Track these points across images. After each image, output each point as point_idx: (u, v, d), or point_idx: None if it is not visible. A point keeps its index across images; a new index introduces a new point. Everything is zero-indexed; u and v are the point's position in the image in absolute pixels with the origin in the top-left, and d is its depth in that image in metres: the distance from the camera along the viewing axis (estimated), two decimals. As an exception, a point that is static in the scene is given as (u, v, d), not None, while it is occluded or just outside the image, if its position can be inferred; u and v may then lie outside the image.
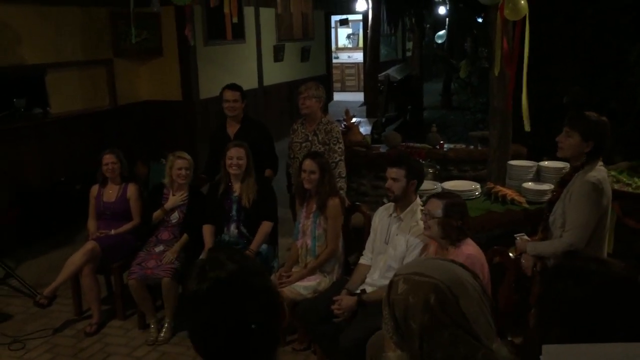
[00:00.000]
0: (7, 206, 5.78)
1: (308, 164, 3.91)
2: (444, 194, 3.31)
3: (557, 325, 1.29)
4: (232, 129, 4.85)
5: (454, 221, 3.06)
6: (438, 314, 1.23)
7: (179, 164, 4.44)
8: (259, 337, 1.22)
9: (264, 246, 4.30)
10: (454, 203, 3.12)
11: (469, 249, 3.05)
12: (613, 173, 4.42)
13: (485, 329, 1.26)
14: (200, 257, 4.03)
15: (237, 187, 4.29)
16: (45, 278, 4.91)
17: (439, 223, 3.09)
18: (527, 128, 4.43)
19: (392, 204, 3.66)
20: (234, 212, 4.28)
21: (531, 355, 1.29)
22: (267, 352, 1.25)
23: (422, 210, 3.33)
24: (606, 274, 1.29)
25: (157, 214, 4.47)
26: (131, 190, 4.72)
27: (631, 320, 1.23)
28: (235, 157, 4.20)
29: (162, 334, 4.24)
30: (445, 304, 1.24)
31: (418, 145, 6.51)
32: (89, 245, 4.43)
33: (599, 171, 3.20)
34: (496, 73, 4.67)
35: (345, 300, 3.50)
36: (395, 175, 3.50)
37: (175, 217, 4.49)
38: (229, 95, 4.77)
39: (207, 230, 4.32)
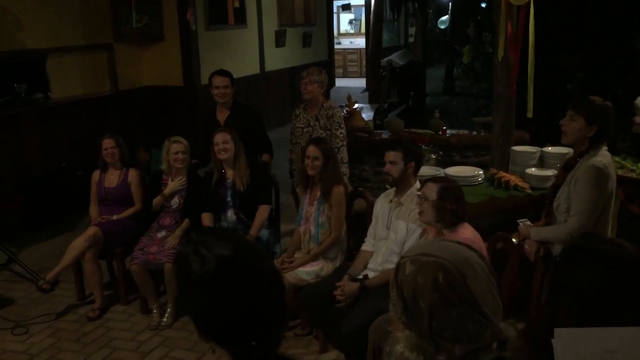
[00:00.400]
0: (9, 192, 5.77)
1: (312, 150, 3.90)
2: (439, 178, 3.31)
3: (566, 303, 1.30)
4: (222, 115, 4.82)
5: (448, 204, 3.06)
6: (447, 292, 1.24)
7: (174, 149, 4.43)
8: (268, 314, 1.21)
9: (265, 231, 4.29)
10: (448, 187, 3.13)
11: (466, 233, 3.05)
12: (617, 159, 4.40)
13: (493, 307, 1.27)
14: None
15: (230, 173, 4.29)
16: (48, 263, 4.92)
17: (433, 206, 3.10)
18: (530, 114, 4.41)
19: (393, 190, 3.66)
20: (229, 198, 4.28)
21: (536, 337, 1.29)
22: (277, 328, 1.24)
23: (417, 194, 3.32)
24: (619, 254, 1.29)
25: (157, 200, 4.46)
26: (132, 175, 4.71)
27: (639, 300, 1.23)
28: (221, 142, 4.19)
29: (164, 319, 4.25)
30: (453, 282, 1.25)
31: (420, 131, 6.48)
32: (91, 230, 4.43)
33: (604, 156, 3.18)
34: (499, 58, 4.63)
35: (347, 286, 3.50)
36: (392, 158, 3.52)
37: (175, 202, 4.49)
38: (219, 81, 4.73)
39: (206, 218, 4.32)
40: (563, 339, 1.12)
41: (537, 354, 1.31)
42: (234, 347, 1.21)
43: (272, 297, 1.22)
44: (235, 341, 1.20)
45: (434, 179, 3.30)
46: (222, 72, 4.79)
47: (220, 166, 4.30)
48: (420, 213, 3.20)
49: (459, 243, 1.38)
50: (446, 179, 3.35)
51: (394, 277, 1.34)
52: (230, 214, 4.29)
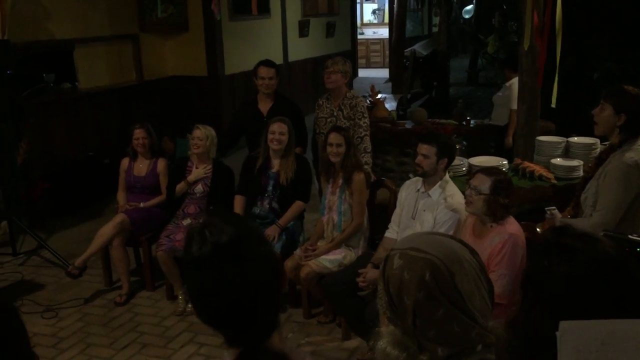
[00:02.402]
0: (37, 180, 5.90)
1: (334, 137, 3.90)
2: (491, 170, 3.23)
3: (540, 301, 1.26)
4: (264, 105, 4.81)
5: (501, 199, 3.00)
6: (433, 291, 1.20)
7: (194, 134, 4.49)
8: (260, 301, 1.20)
9: (291, 223, 4.31)
10: (501, 180, 3.05)
11: (512, 228, 3.00)
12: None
13: (480, 307, 1.23)
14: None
15: (276, 163, 4.27)
16: (76, 249, 5.03)
17: (485, 200, 3.02)
18: (554, 104, 4.36)
19: (420, 178, 3.63)
20: (270, 188, 4.27)
21: (517, 333, 1.27)
22: (269, 317, 1.24)
23: (468, 184, 3.25)
24: (592, 251, 1.25)
25: (180, 186, 4.52)
26: (161, 165, 4.78)
27: (616, 299, 1.21)
28: (278, 132, 4.17)
29: (189, 305, 4.31)
30: (440, 281, 1.20)
31: (444, 121, 6.45)
32: (119, 217, 4.51)
33: (637, 152, 3.09)
34: (526, 47, 4.59)
35: (370, 273, 3.52)
36: (426, 152, 3.45)
37: (199, 189, 4.53)
38: (265, 72, 4.71)
39: (238, 201, 4.34)
40: (568, 332, 1.10)
41: (517, 353, 1.28)
42: (226, 331, 1.22)
43: (266, 284, 1.21)
44: (228, 325, 1.21)
45: (485, 171, 3.19)
46: (268, 63, 4.77)
47: (267, 154, 4.29)
48: (468, 203, 3.13)
49: (453, 238, 1.33)
50: (497, 170, 3.26)
51: (382, 269, 1.30)
52: (267, 202, 4.28)
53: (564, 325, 1.12)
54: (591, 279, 1.22)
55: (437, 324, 1.20)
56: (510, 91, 5.78)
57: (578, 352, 1.09)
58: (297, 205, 4.27)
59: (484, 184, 3.04)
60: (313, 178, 4.51)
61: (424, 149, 3.46)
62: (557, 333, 1.11)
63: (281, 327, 1.30)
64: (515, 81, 5.87)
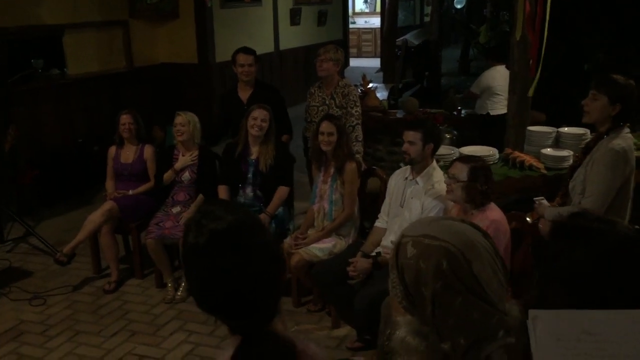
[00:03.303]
0: (26, 166, 5.84)
1: (326, 126, 3.89)
2: (469, 158, 3.27)
3: (556, 283, 1.25)
4: (244, 93, 4.80)
5: (479, 185, 3.04)
6: (451, 280, 1.18)
7: (176, 121, 4.47)
8: (260, 289, 1.19)
9: (280, 209, 4.31)
10: (478, 167, 3.09)
11: (494, 214, 3.03)
12: (635, 141, 4.35)
13: (498, 291, 1.22)
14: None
15: (255, 150, 4.27)
16: (65, 237, 5.00)
17: (463, 187, 3.06)
18: (531, 93, 4.39)
19: (408, 167, 3.65)
20: (250, 175, 4.27)
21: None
22: (269, 305, 1.23)
23: (446, 173, 3.31)
24: (610, 232, 1.24)
25: (167, 174, 4.50)
26: (148, 151, 4.75)
27: (632, 282, 1.20)
28: (260, 118, 4.16)
29: (179, 293, 4.31)
30: (458, 269, 1.18)
31: (435, 110, 6.44)
32: (108, 205, 4.49)
33: (625, 139, 3.12)
34: (517, 37, 4.58)
35: (360, 263, 3.53)
36: (411, 138, 3.49)
37: (186, 177, 4.51)
38: (243, 59, 4.70)
39: (222, 191, 4.33)
40: (539, 320, 1.10)
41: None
42: (227, 318, 1.21)
43: (265, 271, 1.20)
44: (227, 314, 1.20)
45: (462, 159, 3.25)
46: (247, 50, 4.75)
47: (246, 140, 4.28)
48: (448, 192, 3.18)
49: (463, 221, 1.31)
50: (475, 158, 3.30)
51: (394, 258, 1.28)
52: (249, 190, 4.28)
53: (537, 313, 1.10)
54: (610, 260, 1.22)
55: (456, 313, 1.18)
56: (480, 76, 6.26)
57: (558, 340, 1.08)
58: (282, 190, 4.27)
59: (461, 171, 3.09)
60: (303, 167, 4.50)
61: (409, 135, 3.50)
62: (528, 321, 1.10)
63: (282, 313, 1.29)
64: (488, 69, 6.10)
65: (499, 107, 6.08)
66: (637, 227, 1.83)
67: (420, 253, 1.22)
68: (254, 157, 4.27)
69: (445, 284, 1.18)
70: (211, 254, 1.16)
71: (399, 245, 1.27)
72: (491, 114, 6.13)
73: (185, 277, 1.24)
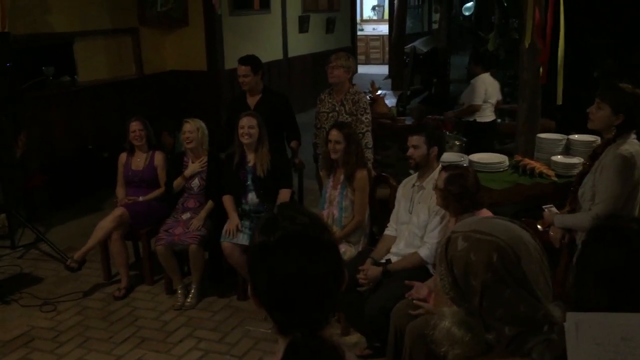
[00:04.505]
0: (36, 172, 5.88)
1: (334, 134, 3.92)
2: (451, 166, 3.32)
3: (593, 285, 1.28)
4: (252, 99, 4.84)
5: (453, 191, 3.06)
6: (500, 272, 1.22)
7: (183, 128, 4.49)
8: (323, 292, 1.20)
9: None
10: (456, 174, 3.12)
11: None
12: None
13: (544, 289, 1.25)
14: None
15: (251, 157, 4.31)
16: (75, 243, 5.02)
17: (440, 194, 3.13)
18: (560, 101, 4.38)
19: (416, 175, 3.67)
20: (249, 182, 4.30)
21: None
22: (327, 309, 1.24)
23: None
24: None
25: (177, 181, 4.51)
26: (158, 158, 4.77)
27: None
28: (247, 126, 4.20)
29: (188, 300, 4.32)
30: (507, 263, 1.22)
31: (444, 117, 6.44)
32: (118, 211, 4.50)
33: (632, 144, 3.14)
34: (527, 45, 4.59)
35: (370, 270, 3.52)
36: (415, 143, 3.54)
37: (196, 184, 4.53)
38: (239, 70, 4.78)
39: (228, 201, 4.34)
40: (581, 322, 1.11)
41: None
42: (284, 319, 1.20)
43: (330, 277, 1.20)
44: (288, 313, 1.19)
45: (446, 167, 3.31)
46: (243, 60, 4.80)
47: (242, 149, 4.32)
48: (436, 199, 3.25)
49: (512, 221, 1.35)
50: (457, 166, 3.36)
51: (443, 251, 1.32)
52: (252, 196, 4.30)
53: (578, 317, 1.11)
54: None
55: (504, 304, 1.21)
56: (472, 87, 6.00)
57: (597, 345, 1.09)
58: (283, 193, 4.29)
59: (440, 179, 3.14)
60: (312, 173, 4.51)
61: (413, 140, 3.55)
62: (565, 324, 1.10)
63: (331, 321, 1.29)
64: (479, 77, 6.02)
65: (487, 114, 6.11)
66: None
67: (471, 246, 1.26)
68: (251, 163, 4.31)
69: (494, 276, 1.22)
70: (283, 252, 1.17)
71: (448, 240, 1.32)
72: (478, 120, 6.13)
73: (250, 273, 1.24)
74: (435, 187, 3.20)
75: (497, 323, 1.22)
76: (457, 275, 1.27)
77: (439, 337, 1.27)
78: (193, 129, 4.47)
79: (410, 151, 3.56)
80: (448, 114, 6.26)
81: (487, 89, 6.10)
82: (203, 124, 4.55)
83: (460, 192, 3.06)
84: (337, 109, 4.66)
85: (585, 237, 1.41)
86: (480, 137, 5.84)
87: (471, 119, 6.15)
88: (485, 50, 7.35)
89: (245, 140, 4.23)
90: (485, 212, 3.11)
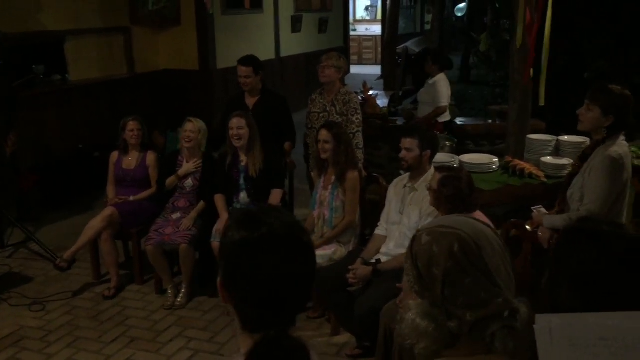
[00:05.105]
0: (27, 172, 5.85)
1: (323, 134, 3.93)
2: (444, 167, 3.31)
3: (566, 285, 1.29)
4: (251, 100, 4.84)
5: (445, 192, 3.07)
6: (461, 260, 1.25)
7: (185, 127, 4.48)
8: (299, 290, 1.21)
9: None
10: (450, 176, 3.12)
11: None
12: (634, 149, 4.36)
13: (506, 280, 1.28)
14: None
15: (243, 157, 4.32)
16: (65, 242, 4.99)
17: (434, 195, 3.14)
18: (542, 102, 4.40)
19: (407, 174, 3.67)
20: (241, 182, 4.31)
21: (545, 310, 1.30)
22: (299, 307, 1.25)
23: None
24: (619, 236, 1.29)
25: (170, 180, 4.51)
26: (150, 158, 4.76)
27: None
28: (236, 127, 4.21)
29: (178, 299, 4.31)
30: (468, 252, 1.26)
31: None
32: (108, 211, 4.49)
33: (621, 146, 3.16)
34: (518, 45, 4.61)
35: (360, 270, 3.53)
36: (408, 145, 3.53)
37: (189, 184, 4.53)
38: (240, 70, 4.76)
39: (220, 200, 4.35)
40: (544, 324, 1.10)
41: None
42: (257, 312, 1.19)
43: (306, 275, 1.22)
44: (261, 310, 1.19)
45: (440, 168, 3.30)
46: (244, 62, 4.78)
47: (234, 148, 4.32)
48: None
49: (477, 220, 1.38)
50: (451, 167, 3.35)
51: (409, 249, 1.35)
52: (243, 196, 4.32)
53: (549, 318, 1.11)
54: (621, 261, 1.26)
55: (465, 292, 1.24)
56: (435, 88, 5.92)
57: (573, 346, 1.08)
58: (275, 193, 4.30)
59: (434, 180, 3.14)
60: (303, 173, 4.51)
61: (406, 142, 3.53)
62: (535, 326, 1.10)
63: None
64: (439, 78, 6.00)
65: (446, 115, 6.12)
66: None
67: (434, 239, 1.29)
68: (243, 163, 4.32)
69: (456, 264, 1.25)
70: (265, 250, 1.17)
71: (414, 238, 1.36)
72: (439, 121, 6.13)
73: (224, 267, 1.22)
74: (429, 188, 3.20)
75: (459, 310, 1.25)
76: (421, 268, 1.30)
77: (406, 329, 1.29)
78: (195, 129, 4.47)
79: (403, 153, 3.55)
80: (418, 119, 6.14)
81: (449, 88, 6.10)
82: (205, 126, 4.56)
83: (454, 194, 3.06)
84: (328, 109, 4.67)
85: (557, 240, 1.42)
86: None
87: (433, 121, 6.09)
88: (441, 51, 7.29)
89: (235, 142, 4.23)
90: (479, 215, 3.10)
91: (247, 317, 1.21)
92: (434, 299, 1.28)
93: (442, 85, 5.94)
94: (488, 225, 1.36)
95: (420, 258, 1.31)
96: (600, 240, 1.29)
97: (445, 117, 6.07)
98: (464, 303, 1.25)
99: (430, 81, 6.01)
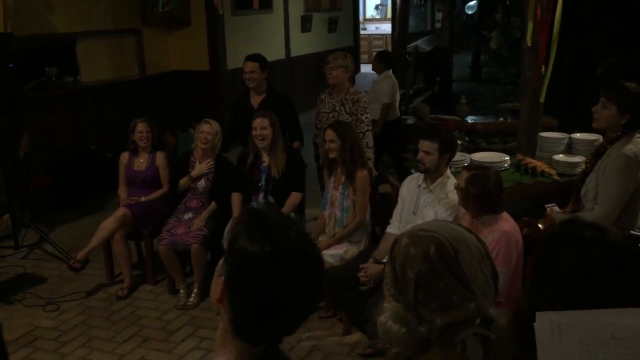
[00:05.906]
0: (39, 173, 5.90)
1: (328, 134, 3.94)
2: (471, 166, 3.27)
3: (547, 290, 1.26)
4: (255, 99, 4.83)
5: (473, 191, 3.03)
6: (436, 264, 1.23)
7: (202, 128, 4.49)
8: (308, 306, 1.19)
9: (292, 215, 4.32)
10: (478, 174, 3.07)
11: (505, 226, 2.99)
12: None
13: (483, 286, 1.25)
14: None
15: (265, 157, 4.30)
16: (78, 243, 5.04)
17: (461, 194, 3.09)
18: (542, 99, 4.37)
19: (421, 175, 3.63)
20: (262, 182, 4.29)
21: (522, 321, 1.27)
22: (298, 321, 1.22)
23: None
24: (601, 240, 1.25)
25: (183, 181, 4.52)
26: (159, 158, 4.78)
27: (623, 288, 1.20)
28: (259, 127, 4.18)
29: (191, 299, 4.33)
30: (444, 256, 1.24)
31: (447, 117, 6.45)
32: (121, 211, 4.52)
33: (636, 144, 3.11)
34: (529, 43, 4.58)
35: (371, 268, 3.52)
36: (427, 149, 3.43)
37: (202, 185, 4.54)
38: (246, 66, 4.76)
39: (236, 198, 4.35)
40: (544, 322, 1.07)
41: (522, 340, 1.28)
42: (258, 324, 1.16)
43: (312, 291, 1.19)
44: (266, 319, 1.15)
45: (467, 167, 3.24)
46: (251, 57, 4.79)
47: (256, 149, 4.30)
48: (458, 199, 3.21)
49: (460, 226, 1.37)
50: (479, 166, 3.29)
51: (390, 251, 1.34)
52: (262, 197, 4.30)
53: (554, 316, 1.08)
54: (599, 267, 1.22)
55: (438, 296, 1.23)
56: (378, 87, 5.91)
57: (583, 345, 1.05)
58: (294, 196, 4.28)
59: (462, 178, 3.09)
60: (313, 173, 4.50)
61: (425, 145, 3.44)
62: (535, 324, 1.07)
63: None
64: (383, 76, 5.98)
65: (394, 113, 6.09)
66: (632, 232, 1.81)
67: (412, 241, 1.28)
68: (266, 164, 4.30)
69: (430, 267, 1.23)
70: (275, 267, 1.13)
71: (395, 240, 1.34)
72: (389, 119, 6.10)
73: (229, 272, 1.19)
74: (457, 186, 3.14)
75: (431, 315, 1.23)
76: (397, 269, 1.28)
77: (379, 331, 1.28)
78: (212, 131, 4.49)
79: (421, 155, 3.46)
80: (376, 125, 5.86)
81: (393, 86, 6.07)
82: (220, 129, 4.56)
83: (481, 193, 3.01)
84: (337, 109, 4.67)
85: (541, 244, 1.39)
86: (386, 136, 5.78)
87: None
88: (388, 52, 7.16)
89: (258, 142, 4.21)
90: (506, 216, 3.08)
91: (242, 325, 1.17)
92: (407, 303, 1.26)
93: (385, 84, 5.98)
94: (472, 232, 1.34)
95: (397, 260, 1.29)
96: (579, 245, 1.26)
97: (392, 115, 6.04)
98: (437, 307, 1.22)
99: (377, 78, 6.04)
